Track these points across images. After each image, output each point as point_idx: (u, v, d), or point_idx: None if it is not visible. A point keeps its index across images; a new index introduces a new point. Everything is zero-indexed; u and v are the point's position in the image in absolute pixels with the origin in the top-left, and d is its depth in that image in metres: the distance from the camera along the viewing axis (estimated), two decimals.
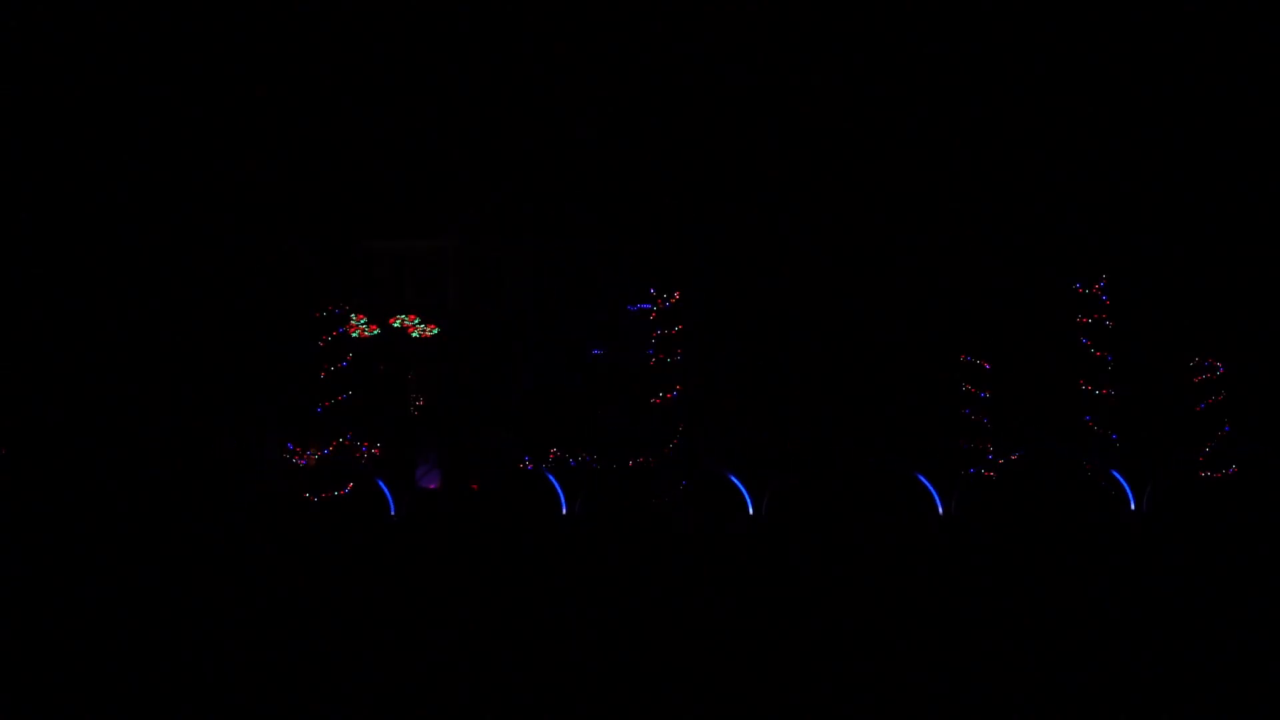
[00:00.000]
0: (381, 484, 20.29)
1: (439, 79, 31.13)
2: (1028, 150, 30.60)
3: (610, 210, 32.92)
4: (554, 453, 25.39)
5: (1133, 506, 20.05)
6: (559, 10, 31.68)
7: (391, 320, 33.13)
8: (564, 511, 20.32)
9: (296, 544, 17.80)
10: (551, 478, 21.25)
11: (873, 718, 7.11)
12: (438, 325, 33.26)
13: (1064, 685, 7.80)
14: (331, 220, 30.11)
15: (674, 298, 29.67)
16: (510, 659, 8.58)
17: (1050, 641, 9.35)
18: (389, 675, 8.03)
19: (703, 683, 7.87)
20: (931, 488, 20.19)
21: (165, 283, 30.85)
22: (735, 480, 20.08)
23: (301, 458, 23.14)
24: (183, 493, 24.97)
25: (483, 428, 32.52)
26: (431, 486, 24.81)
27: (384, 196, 31.64)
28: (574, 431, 30.68)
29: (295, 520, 20.90)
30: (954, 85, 30.90)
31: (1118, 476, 20.22)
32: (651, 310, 30.12)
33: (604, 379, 33.11)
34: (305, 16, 29.23)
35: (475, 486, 23.69)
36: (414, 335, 32.73)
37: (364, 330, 32.69)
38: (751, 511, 20.02)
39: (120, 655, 8.79)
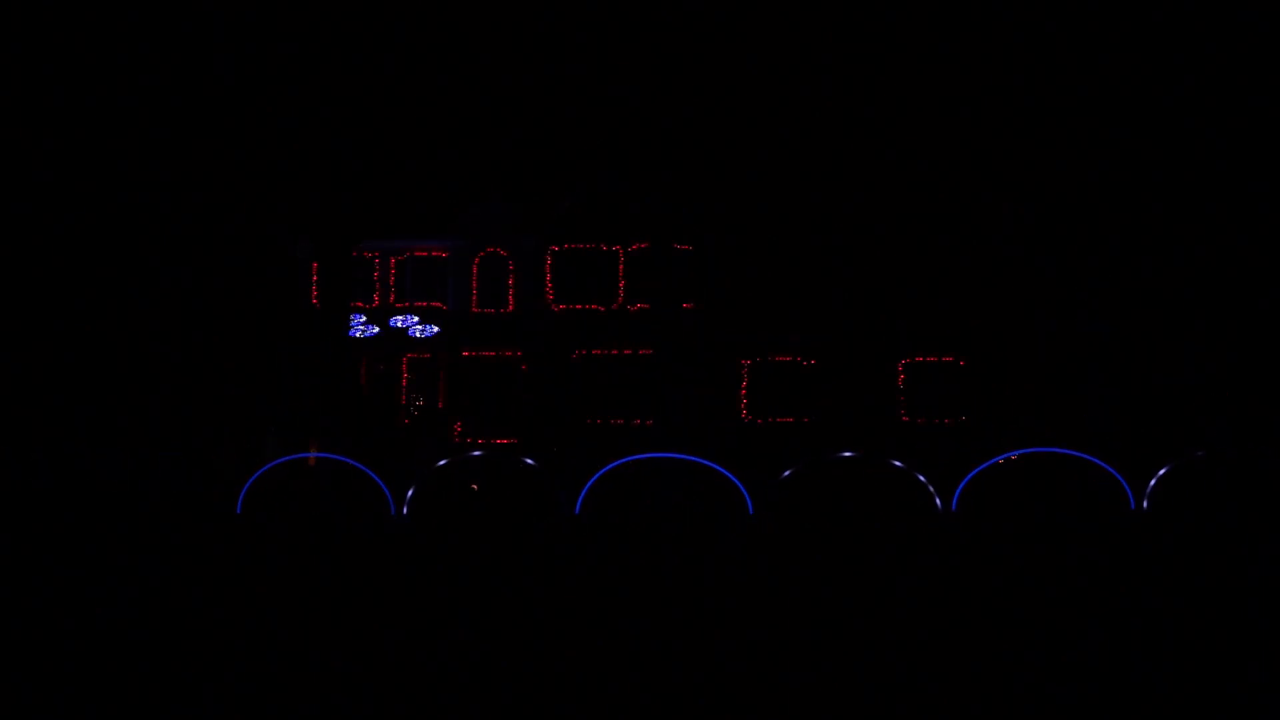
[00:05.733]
0: (380, 481, 20.30)
1: (439, 78, 31.21)
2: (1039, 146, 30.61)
3: (610, 210, 32.96)
4: (554, 452, 25.47)
5: (1132, 506, 20.03)
6: (561, 9, 31.72)
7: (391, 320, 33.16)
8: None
9: (295, 544, 17.84)
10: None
11: (872, 717, 7.11)
12: (438, 325, 33.33)
13: (1064, 686, 7.80)
14: (331, 220, 30.19)
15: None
16: (511, 660, 8.58)
17: (1050, 641, 9.35)
18: (388, 676, 8.03)
19: (702, 683, 7.87)
20: (932, 487, 20.20)
21: (162, 281, 30.85)
22: (735, 479, 20.08)
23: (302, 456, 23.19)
24: (181, 492, 25.00)
25: (484, 429, 32.60)
26: None
27: (385, 196, 31.70)
28: (575, 432, 30.71)
29: (294, 520, 20.93)
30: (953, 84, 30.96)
31: (1118, 476, 20.23)
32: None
33: (604, 379, 33.19)
34: (304, 16, 29.36)
35: (475, 486, 23.76)
36: (414, 335, 32.78)
37: (364, 330, 32.74)
38: (751, 511, 20.02)
39: (119, 655, 8.79)
